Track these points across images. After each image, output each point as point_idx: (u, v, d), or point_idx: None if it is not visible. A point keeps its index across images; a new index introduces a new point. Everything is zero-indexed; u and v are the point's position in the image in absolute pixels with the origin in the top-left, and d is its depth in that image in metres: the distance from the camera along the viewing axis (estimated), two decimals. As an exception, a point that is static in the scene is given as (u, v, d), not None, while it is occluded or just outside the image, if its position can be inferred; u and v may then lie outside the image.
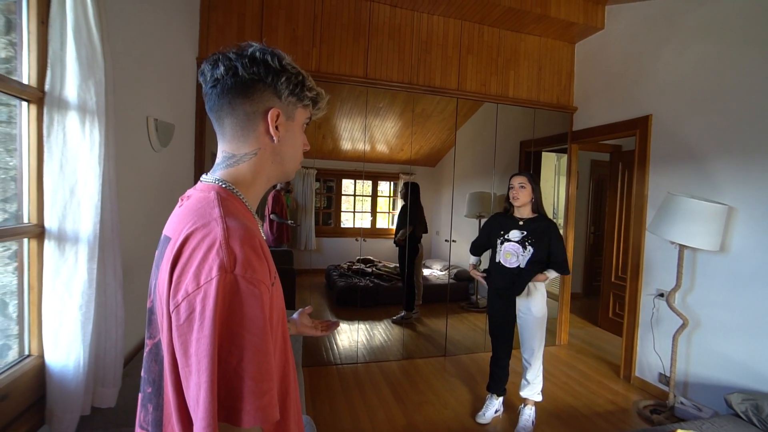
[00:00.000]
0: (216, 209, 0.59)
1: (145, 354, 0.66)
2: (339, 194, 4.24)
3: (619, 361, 3.15)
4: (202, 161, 2.75)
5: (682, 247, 2.44)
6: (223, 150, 0.69)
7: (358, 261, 4.00)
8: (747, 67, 2.30)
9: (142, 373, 0.67)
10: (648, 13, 2.95)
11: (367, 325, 3.66)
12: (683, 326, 2.47)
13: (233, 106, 0.65)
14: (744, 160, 2.30)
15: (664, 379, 2.70)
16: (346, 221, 4.29)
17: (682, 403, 2.45)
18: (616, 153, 4.30)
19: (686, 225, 2.28)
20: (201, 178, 0.70)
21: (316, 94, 0.72)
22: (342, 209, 4.26)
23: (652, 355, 2.81)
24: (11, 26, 1.10)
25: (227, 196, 0.64)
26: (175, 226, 0.61)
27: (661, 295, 2.74)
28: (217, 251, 0.53)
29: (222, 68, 0.64)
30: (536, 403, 2.45)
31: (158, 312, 0.60)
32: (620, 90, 3.17)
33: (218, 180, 0.67)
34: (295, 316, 1.08)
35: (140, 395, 0.71)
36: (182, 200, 0.69)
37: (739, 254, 2.32)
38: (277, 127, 0.67)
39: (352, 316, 3.63)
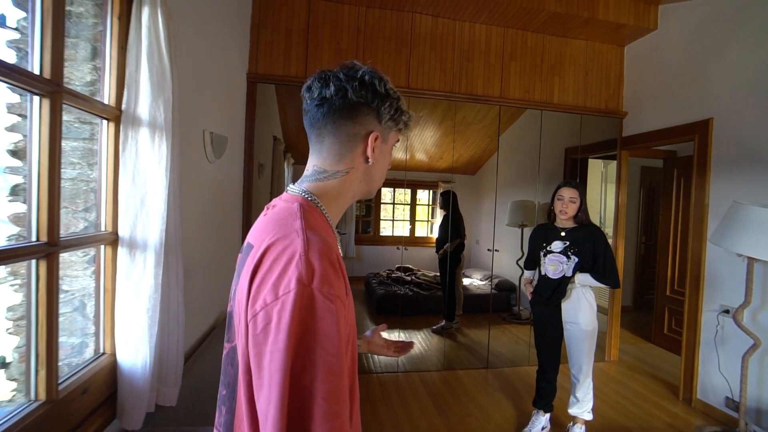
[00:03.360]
0: (298, 221, 0.60)
1: (223, 356, 0.68)
2: (378, 202, 4.28)
3: (676, 381, 2.94)
4: (251, 171, 2.87)
5: (751, 261, 2.25)
6: (315, 164, 0.70)
7: (398, 269, 4.00)
8: (825, 64, 2.11)
9: (221, 375, 0.69)
10: (707, 12, 2.78)
11: (407, 334, 3.65)
12: (755, 347, 2.27)
13: (337, 125, 0.67)
14: (823, 166, 2.11)
15: (732, 403, 2.49)
16: (385, 229, 4.32)
17: (754, 431, 2.25)
18: (671, 159, 4.06)
19: (757, 236, 2.11)
20: (287, 188, 0.71)
21: (409, 117, 0.74)
22: (381, 217, 4.30)
23: (717, 376, 2.60)
24: (96, 52, 1.21)
25: (310, 209, 0.65)
26: (258, 235, 0.63)
27: (727, 311, 2.54)
28: (297, 264, 0.53)
29: (333, 88, 0.65)
30: (586, 422, 2.34)
31: (236, 318, 0.62)
32: (676, 93, 3.00)
33: (304, 192, 0.68)
34: (367, 333, 1.06)
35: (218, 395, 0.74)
36: (267, 209, 0.70)
37: (820, 269, 2.11)
38: (373, 149, 0.69)
39: (392, 325, 3.63)
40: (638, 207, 5.12)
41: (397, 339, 1.09)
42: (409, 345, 1.07)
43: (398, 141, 0.76)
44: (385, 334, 3.63)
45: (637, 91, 3.39)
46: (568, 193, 2.20)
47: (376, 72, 0.68)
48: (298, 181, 0.72)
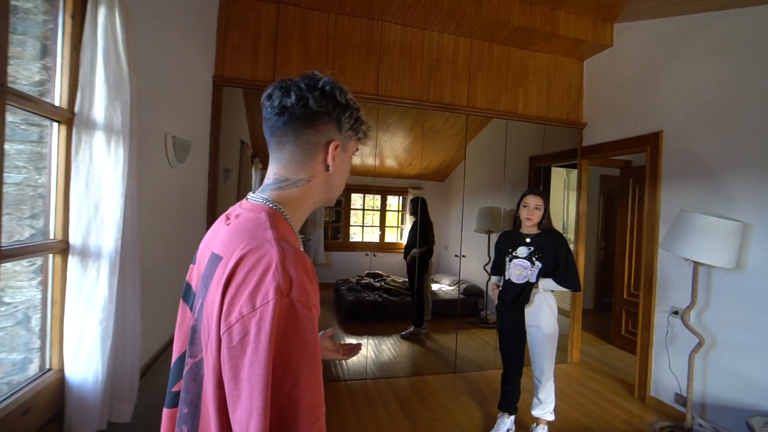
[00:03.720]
0: (269, 231, 0.59)
1: (184, 373, 0.66)
2: (348, 208, 4.27)
3: (633, 380, 3.09)
4: (216, 176, 2.80)
5: (696, 264, 2.41)
6: (276, 173, 0.70)
7: (367, 275, 4.00)
8: (760, 83, 2.30)
9: (180, 393, 0.66)
10: (657, 31, 2.98)
11: (376, 341, 3.64)
12: (699, 345, 2.43)
13: (298, 134, 0.68)
14: (759, 177, 2.29)
15: (681, 399, 2.64)
16: (355, 235, 4.31)
17: (700, 425, 2.39)
18: (627, 168, 4.29)
19: (701, 241, 2.26)
20: (248, 197, 0.71)
21: (368, 127, 0.76)
22: (351, 223, 4.29)
23: (668, 374, 2.75)
24: (46, 51, 1.15)
25: (277, 218, 0.65)
26: (225, 245, 0.61)
27: (676, 312, 2.70)
28: (274, 274, 0.53)
29: (293, 97, 0.66)
30: (549, 423, 2.41)
31: (203, 331, 0.60)
32: (630, 106, 3.18)
33: (267, 200, 0.68)
34: None
35: (165, 412, 0.72)
36: (228, 218, 0.69)
37: (757, 272, 2.28)
38: (333, 158, 0.70)
39: (361, 331, 3.62)
40: (598, 213, 5.36)
41: (349, 343, 1.10)
42: (357, 347, 1.08)
43: (357, 150, 0.78)
44: (354, 341, 3.61)
45: (596, 103, 3.57)
46: (533, 201, 2.28)
47: (336, 82, 0.69)
48: (259, 189, 0.72)
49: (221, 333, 0.53)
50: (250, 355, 0.50)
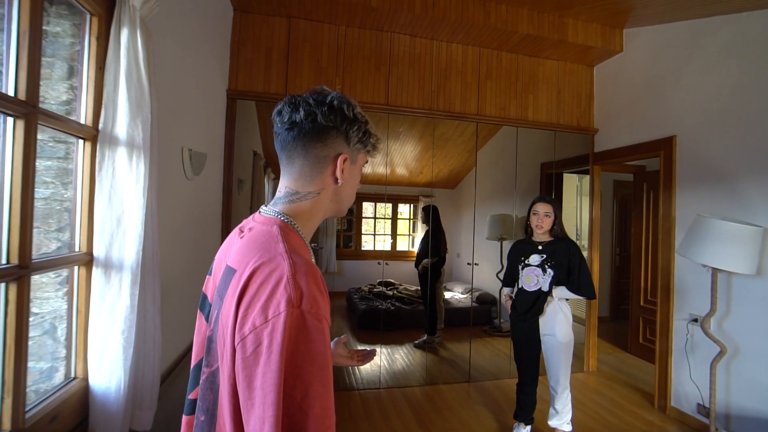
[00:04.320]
0: (281, 244, 0.61)
1: (201, 381, 0.68)
2: (359, 217, 4.30)
3: (652, 389, 3.02)
4: (230, 187, 2.85)
5: (715, 271, 2.36)
6: (287, 186, 0.72)
7: (379, 284, 4.01)
8: (774, 87, 2.27)
9: (198, 401, 0.68)
10: (667, 36, 2.97)
11: (389, 349, 3.63)
12: (721, 354, 2.37)
13: (307, 148, 0.70)
14: (776, 181, 2.25)
15: (704, 410, 2.57)
16: (367, 244, 4.33)
17: (723, 436, 2.32)
18: (640, 173, 4.24)
19: (719, 247, 2.22)
20: (261, 210, 0.73)
21: (377, 139, 0.77)
22: (362, 232, 4.31)
23: (689, 384, 2.69)
24: (73, 72, 1.21)
25: (288, 231, 0.67)
26: (239, 258, 0.63)
27: (695, 320, 2.64)
28: (285, 286, 0.55)
29: (302, 113, 0.68)
30: (566, 434, 2.37)
31: (219, 342, 0.62)
32: (642, 111, 3.16)
33: (279, 213, 0.70)
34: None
35: (184, 419, 0.74)
36: (242, 231, 0.71)
37: (778, 278, 2.23)
38: (342, 170, 0.72)
39: (374, 340, 3.61)
40: (612, 219, 5.29)
41: (363, 350, 1.11)
42: (371, 353, 1.09)
43: (367, 162, 0.79)
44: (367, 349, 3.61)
45: (607, 109, 3.55)
46: (542, 209, 2.27)
47: (344, 97, 0.71)
48: (272, 202, 0.74)
49: (236, 344, 0.55)
50: (263, 365, 0.52)
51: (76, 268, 1.24)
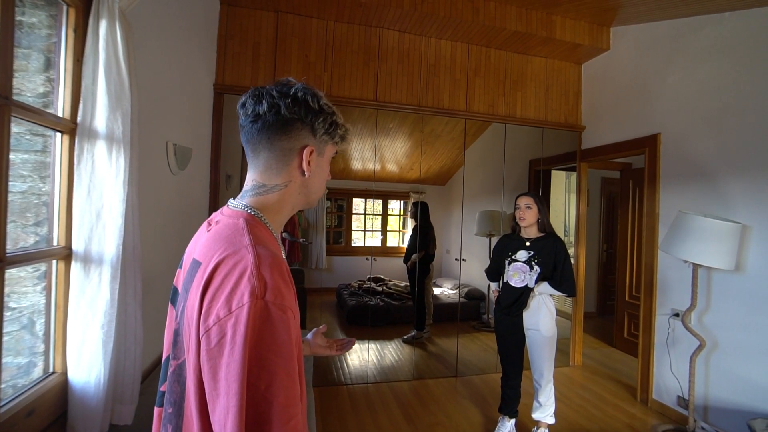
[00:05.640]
0: (246, 237, 0.61)
1: (168, 374, 0.68)
2: (350, 213, 4.30)
3: (635, 383, 3.08)
4: (217, 182, 2.84)
5: (695, 266, 2.41)
6: (253, 179, 0.72)
7: (369, 280, 4.02)
8: (755, 85, 2.32)
9: (165, 393, 0.68)
10: (653, 34, 3.00)
11: (378, 345, 3.65)
12: (700, 347, 2.42)
13: (271, 141, 0.69)
14: (756, 179, 2.29)
15: (683, 402, 2.63)
16: (357, 240, 4.34)
17: (702, 428, 2.38)
18: (627, 171, 4.29)
19: (699, 244, 2.26)
20: (228, 203, 0.73)
21: (345, 130, 0.76)
22: (352, 228, 4.32)
23: (670, 377, 2.74)
24: (50, 64, 1.19)
25: (255, 223, 0.67)
26: (205, 251, 0.63)
27: (677, 315, 2.69)
28: (249, 278, 0.55)
29: (265, 105, 0.67)
30: (549, 426, 2.41)
31: (185, 334, 0.62)
32: (628, 109, 3.19)
33: (246, 207, 0.70)
34: (309, 336, 1.08)
35: (155, 411, 0.74)
36: (209, 224, 0.71)
37: (757, 274, 2.28)
38: (309, 163, 0.71)
39: (363, 336, 3.63)
40: (599, 216, 5.36)
41: (341, 339, 1.12)
42: (350, 342, 1.10)
43: (336, 153, 0.79)
44: (356, 346, 3.63)
45: (594, 106, 3.59)
46: (523, 201, 2.31)
47: (309, 88, 0.70)
48: (239, 195, 0.74)
49: (200, 336, 0.56)
50: (227, 356, 0.52)
51: (54, 262, 1.23)
